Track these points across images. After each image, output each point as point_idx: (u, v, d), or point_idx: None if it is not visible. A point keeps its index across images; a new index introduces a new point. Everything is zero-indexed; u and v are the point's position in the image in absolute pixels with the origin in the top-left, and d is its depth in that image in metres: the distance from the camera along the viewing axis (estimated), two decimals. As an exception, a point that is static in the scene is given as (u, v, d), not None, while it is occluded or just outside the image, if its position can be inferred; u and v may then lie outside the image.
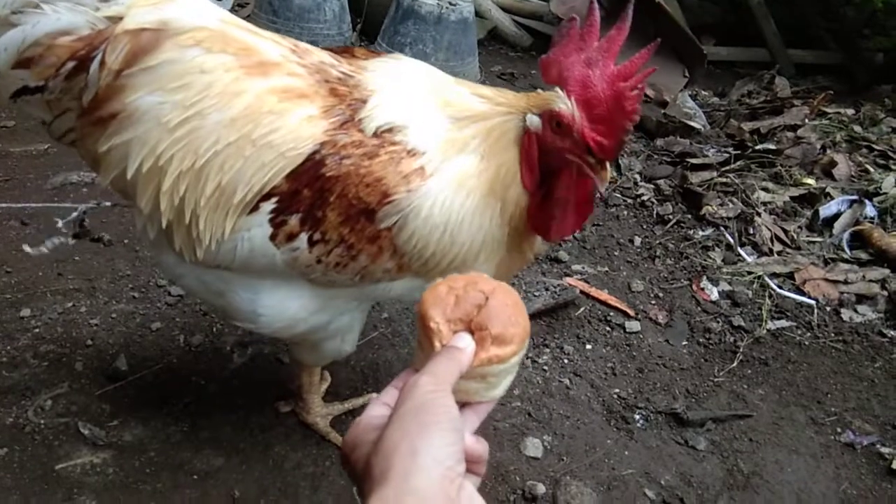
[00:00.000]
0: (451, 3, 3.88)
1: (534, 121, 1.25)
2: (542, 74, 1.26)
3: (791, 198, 2.98)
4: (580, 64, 1.19)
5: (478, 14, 4.38)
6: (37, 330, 1.91)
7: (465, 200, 1.26)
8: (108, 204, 1.89)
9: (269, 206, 1.24)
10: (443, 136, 1.27)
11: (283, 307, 1.38)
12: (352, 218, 1.24)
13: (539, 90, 1.31)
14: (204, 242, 1.27)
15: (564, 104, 1.20)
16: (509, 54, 4.74)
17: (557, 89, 1.22)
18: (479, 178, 1.27)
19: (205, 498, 1.57)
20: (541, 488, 1.71)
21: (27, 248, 1.58)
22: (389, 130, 1.25)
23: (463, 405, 0.81)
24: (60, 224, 1.70)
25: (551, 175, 1.29)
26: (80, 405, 1.73)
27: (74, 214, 1.64)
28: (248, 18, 4.10)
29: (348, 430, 0.77)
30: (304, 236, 1.26)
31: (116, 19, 1.19)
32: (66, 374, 1.80)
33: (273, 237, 1.26)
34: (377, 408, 0.78)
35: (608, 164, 1.23)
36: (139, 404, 1.76)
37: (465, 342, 0.80)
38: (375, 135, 1.24)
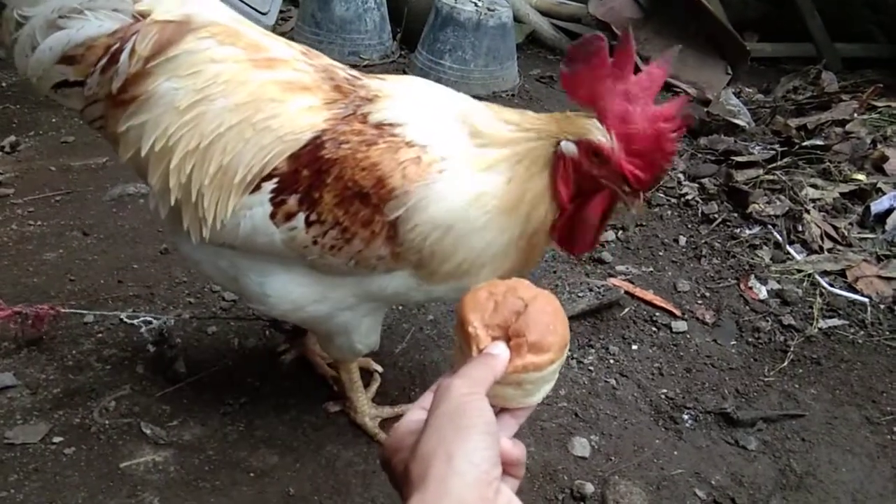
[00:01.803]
0: (489, 9, 3.91)
1: (570, 147, 1.29)
2: (568, 91, 1.28)
3: (841, 194, 2.91)
4: (620, 97, 1.22)
5: (516, 19, 4.39)
6: (100, 335, 2.00)
7: (479, 216, 1.32)
8: (186, 316, 2.09)
9: (270, 185, 1.33)
10: (466, 150, 1.33)
11: (287, 291, 1.46)
12: (346, 200, 1.31)
13: (569, 112, 1.35)
14: (209, 221, 1.36)
15: (604, 136, 1.24)
16: (548, 58, 4.74)
17: (595, 120, 1.25)
18: (500, 200, 1.32)
19: (262, 495, 1.63)
20: (589, 487, 1.72)
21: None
22: (391, 125, 1.33)
23: (500, 410, 0.82)
24: (143, 330, 2.00)
25: (582, 196, 1.34)
26: (142, 406, 1.80)
27: (155, 324, 2.01)
28: (291, 31, 4.21)
29: (388, 435, 0.79)
30: (301, 216, 1.33)
31: (145, 14, 1.33)
32: (129, 377, 1.88)
33: (273, 216, 1.34)
34: (415, 412, 0.80)
35: (642, 194, 1.29)
36: (197, 405, 1.82)
37: (500, 349, 0.81)
38: (376, 126, 1.32)
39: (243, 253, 1.44)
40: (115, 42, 1.32)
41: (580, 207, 1.35)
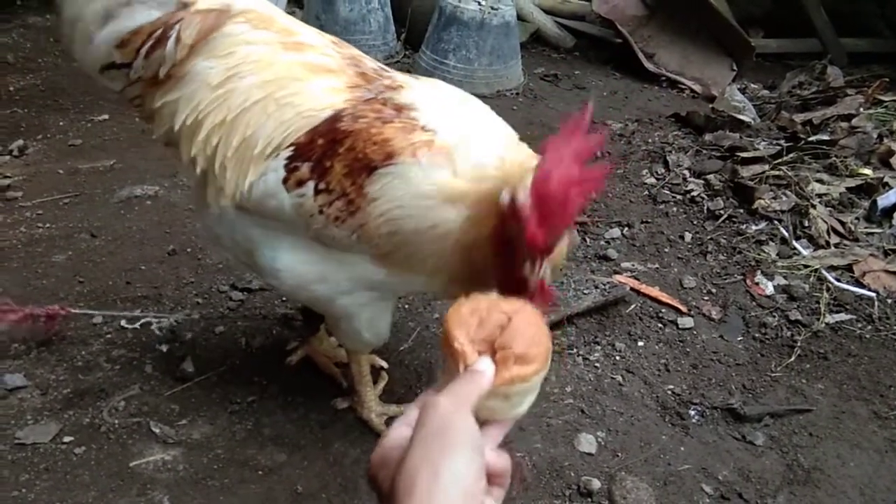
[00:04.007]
0: (492, 8, 3.92)
1: (505, 199, 1.24)
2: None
3: (847, 189, 2.89)
4: (552, 156, 1.14)
5: (520, 17, 4.40)
6: (109, 335, 2.02)
7: (433, 243, 1.35)
8: (194, 317, 2.12)
9: (286, 152, 1.39)
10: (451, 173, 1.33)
11: (294, 267, 1.50)
12: (354, 172, 1.35)
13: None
14: (228, 192, 1.43)
15: (524, 192, 1.18)
16: (552, 56, 4.74)
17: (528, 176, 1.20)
18: (456, 234, 1.33)
19: (270, 493, 1.64)
20: (596, 483, 1.72)
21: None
22: (410, 108, 1.37)
23: (484, 422, 0.83)
24: (154, 327, 2.04)
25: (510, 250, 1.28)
26: (151, 405, 1.82)
27: (163, 324, 2.05)
28: (295, 32, 4.23)
29: (374, 451, 0.79)
30: (311, 184, 1.38)
31: (188, 2, 1.40)
32: (137, 377, 1.89)
33: (285, 181, 1.39)
34: (401, 428, 0.80)
35: (538, 262, 1.20)
36: (206, 404, 1.84)
37: (485, 365, 0.82)
38: (395, 108, 1.37)
39: (257, 224, 1.48)
40: (157, 28, 1.39)
41: (502, 266, 1.31)
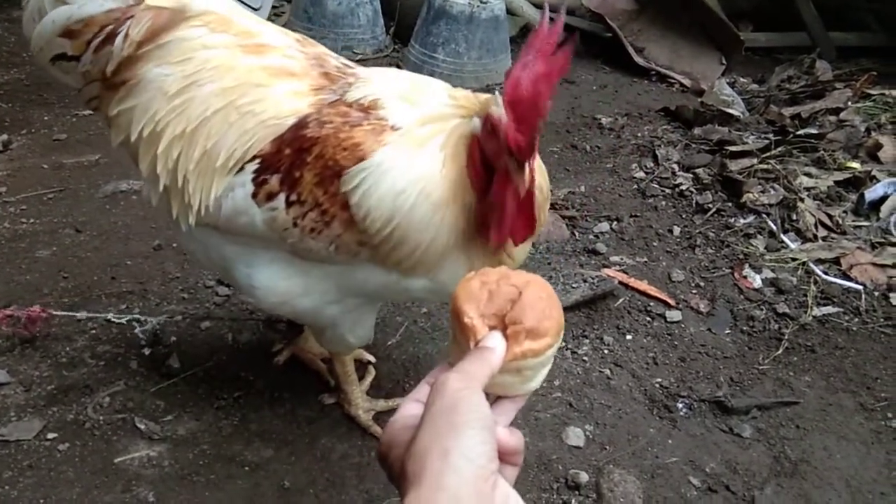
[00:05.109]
0: (482, 2, 3.90)
1: (476, 124, 1.25)
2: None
3: (835, 182, 2.90)
4: (519, 65, 1.14)
5: (509, 11, 4.38)
6: (93, 331, 2.00)
7: (416, 199, 1.26)
8: (179, 317, 2.08)
9: (253, 165, 1.33)
10: (409, 126, 1.30)
11: (273, 284, 1.45)
12: (326, 180, 1.29)
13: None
14: (194, 207, 1.37)
15: (497, 106, 1.17)
16: (542, 50, 4.73)
17: (497, 91, 1.21)
18: (438, 180, 1.27)
19: (256, 488, 1.63)
20: (584, 476, 1.72)
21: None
22: (374, 105, 1.31)
23: (497, 397, 0.82)
24: (138, 331, 2.00)
25: (493, 177, 1.27)
26: (136, 401, 1.80)
27: (149, 325, 2.01)
28: (285, 26, 4.20)
29: (384, 430, 0.78)
30: (282, 196, 1.33)
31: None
32: (122, 373, 1.88)
33: (255, 195, 1.34)
34: (410, 406, 0.79)
35: (527, 166, 1.18)
36: (192, 400, 1.82)
37: (496, 341, 0.80)
38: (361, 108, 1.31)
39: (230, 241, 1.44)
40: (109, 22, 1.34)
41: (491, 194, 1.28)
